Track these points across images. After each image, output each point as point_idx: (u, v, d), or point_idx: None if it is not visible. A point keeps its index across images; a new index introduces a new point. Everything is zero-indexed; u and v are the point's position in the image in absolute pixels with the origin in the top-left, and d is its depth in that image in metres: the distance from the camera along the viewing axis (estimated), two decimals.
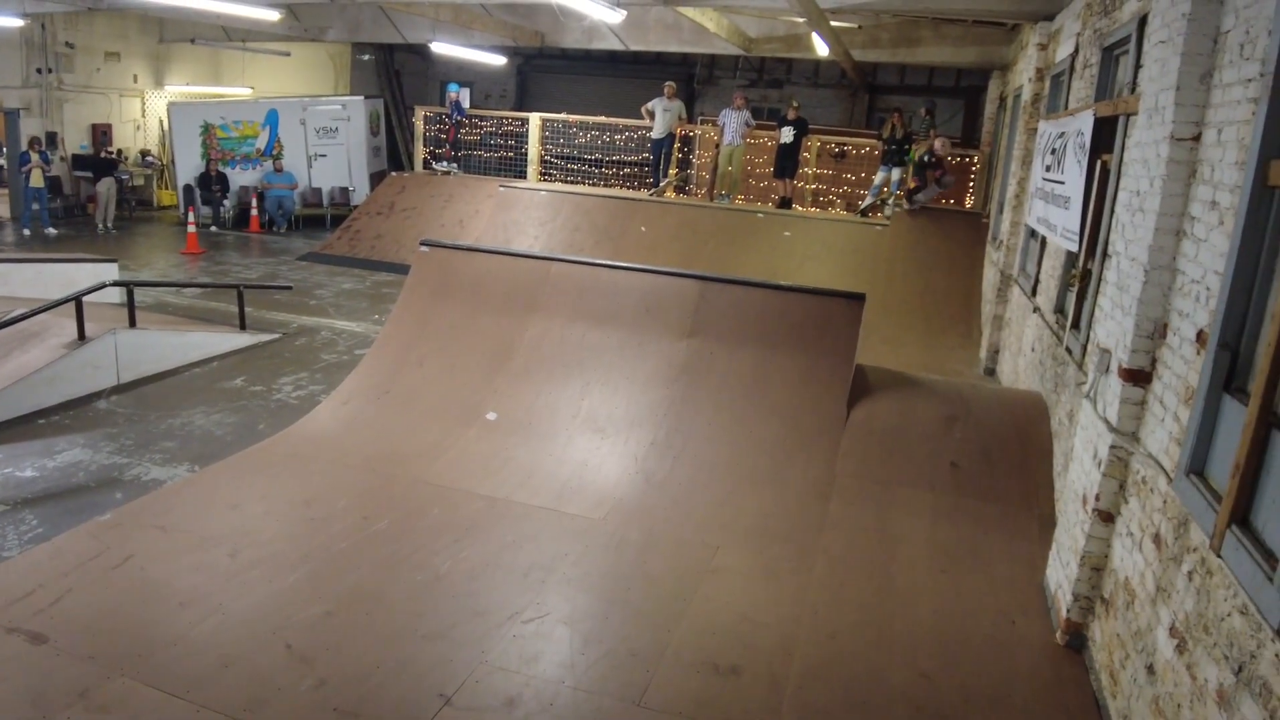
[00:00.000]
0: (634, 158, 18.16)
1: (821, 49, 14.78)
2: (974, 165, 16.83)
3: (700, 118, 20.14)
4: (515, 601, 5.12)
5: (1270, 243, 3.51)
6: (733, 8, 13.70)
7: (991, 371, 10.70)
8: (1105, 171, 6.20)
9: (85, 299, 8.71)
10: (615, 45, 17.65)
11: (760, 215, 15.09)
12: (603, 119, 18.12)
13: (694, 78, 24.12)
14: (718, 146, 16.79)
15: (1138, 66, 5.65)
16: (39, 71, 18.62)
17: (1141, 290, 4.47)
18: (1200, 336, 3.89)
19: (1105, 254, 5.84)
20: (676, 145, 17.14)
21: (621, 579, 5.51)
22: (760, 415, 7.17)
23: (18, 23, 16.12)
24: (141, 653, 4.54)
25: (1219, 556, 3.22)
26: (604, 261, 8.47)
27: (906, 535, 6.16)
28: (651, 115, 16.46)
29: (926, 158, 14.06)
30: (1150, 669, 3.75)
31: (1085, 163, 6.47)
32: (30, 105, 18.68)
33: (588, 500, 6.38)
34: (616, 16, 11.05)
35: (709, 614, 5.15)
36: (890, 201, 15.37)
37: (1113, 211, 5.80)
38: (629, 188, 17.74)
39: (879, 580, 5.65)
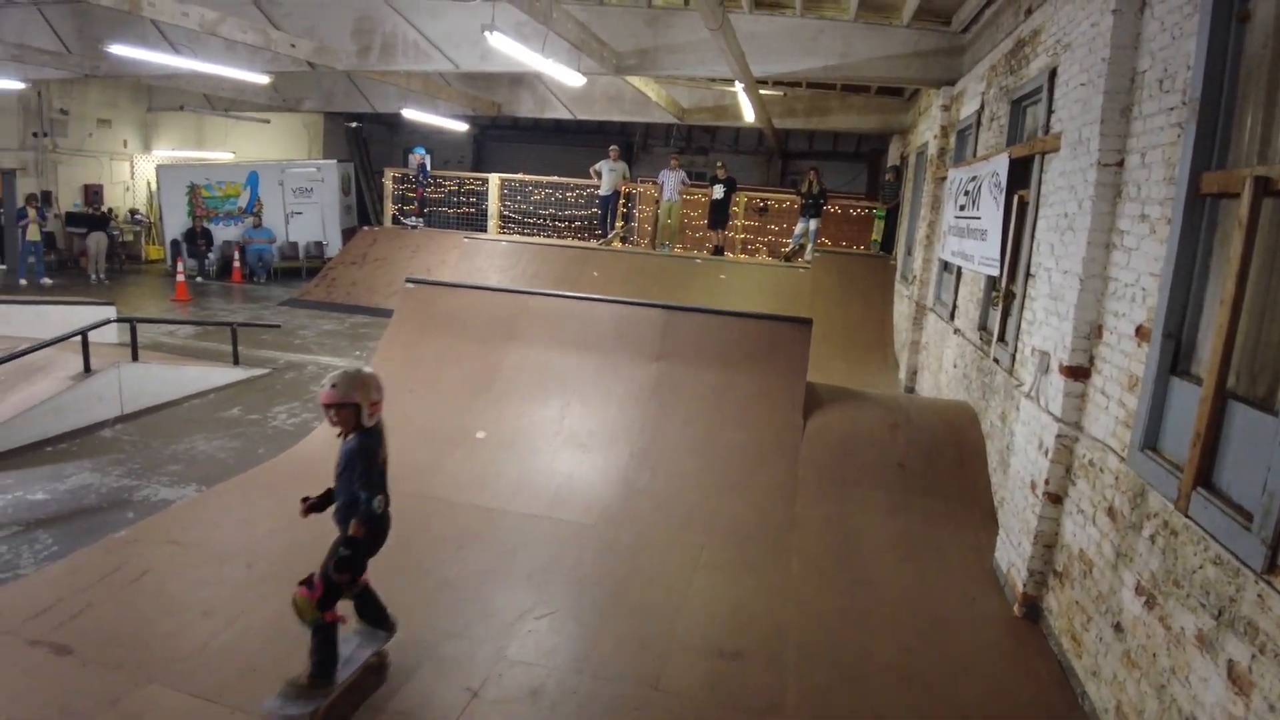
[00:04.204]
0: (583, 212, 18.15)
1: (748, 116, 14.98)
2: (877, 216, 17.19)
3: (639, 178, 20.26)
4: (524, 601, 4.91)
5: (1205, 242, 3.57)
6: (675, 78, 13.85)
7: (911, 390, 10.79)
8: (1023, 205, 6.31)
9: (90, 337, 8.29)
10: (564, 115, 17.68)
11: (698, 261, 15.16)
12: (555, 178, 18.14)
13: (631, 145, 24.27)
14: (658, 202, 16.91)
15: (1050, 112, 5.80)
16: (35, 135, 18.04)
17: (1078, 297, 4.53)
18: (1140, 331, 3.93)
19: (1029, 274, 5.94)
20: (621, 201, 17.21)
21: (620, 578, 5.32)
22: (726, 428, 7.08)
23: (19, 86, 15.51)
24: (167, 661, 4.23)
25: (1187, 517, 3.21)
26: (576, 294, 8.34)
27: (866, 529, 6.10)
28: (599, 175, 16.57)
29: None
30: (1118, 627, 3.71)
31: (1002, 199, 6.58)
32: (26, 166, 18.02)
33: (577, 508, 6.19)
34: (579, 80, 11.04)
35: (706, 605, 5.00)
36: (810, 248, 15.59)
37: (1033, 237, 5.92)
38: (580, 239, 17.71)
39: (851, 570, 5.57)
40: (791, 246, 16.18)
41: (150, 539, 5.53)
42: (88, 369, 8.13)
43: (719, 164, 16.97)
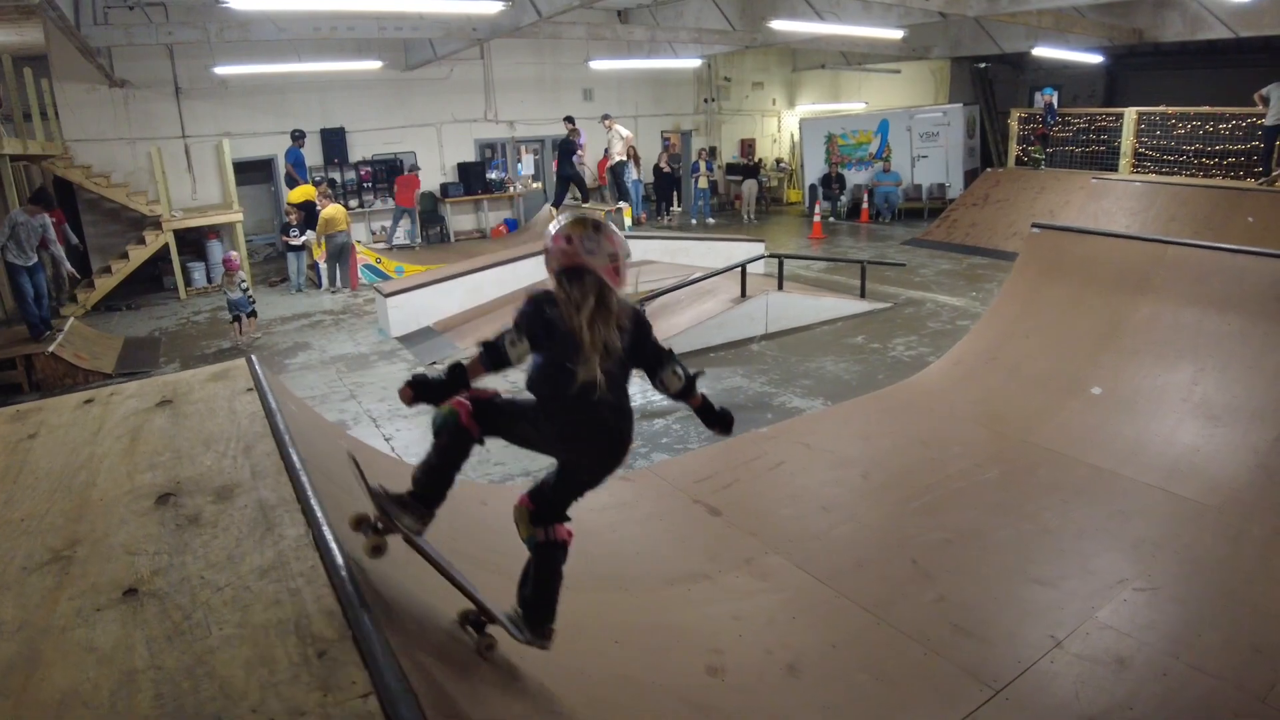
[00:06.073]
0: (1239, 147, 14.99)
1: None
2: None
3: None
4: (1124, 568, 4.48)
5: None
6: None
7: None
8: None
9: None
10: (1222, 34, 14.54)
11: None
12: (1205, 109, 15.27)
13: None
14: None
15: None
16: (705, 101, 21.23)
17: None
18: None
19: None
20: None
21: (1242, 572, 4.49)
22: None
23: (697, 63, 18.63)
24: (791, 540, 4.80)
25: None
26: (1225, 245, 7.02)
27: None
28: (1265, 101, 13.44)
29: None
30: None
31: None
32: (698, 127, 21.41)
33: (1199, 486, 5.35)
34: None
35: None
36: None
37: None
38: (1233, 177, 14.72)
39: None
40: None
41: (785, 438, 6.32)
42: (743, 294, 9.47)
43: None
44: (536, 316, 2.59)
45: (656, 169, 19.54)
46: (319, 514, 2.51)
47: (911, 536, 4.81)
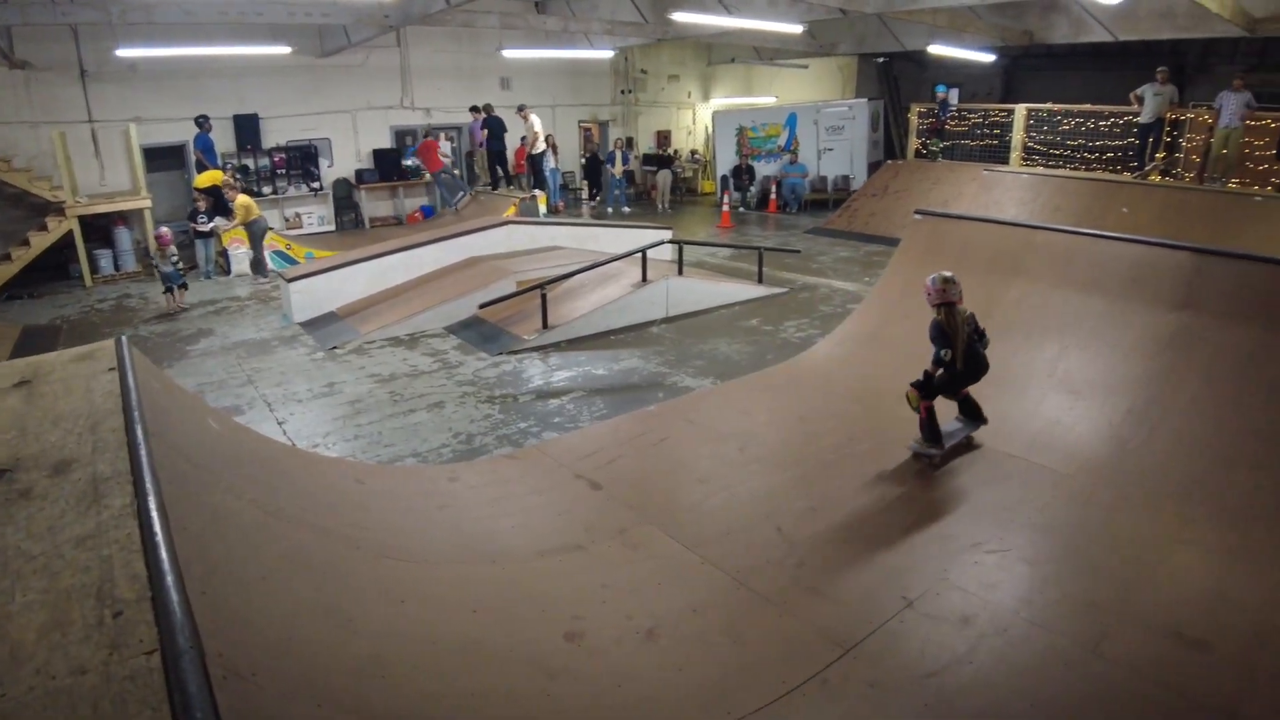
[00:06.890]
0: (1117, 143, 15.72)
1: None
2: None
3: (1192, 103, 16.81)
4: (978, 533, 4.69)
5: None
6: None
7: None
8: None
9: (648, 254, 9.69)
10: (1103, 38, 15.22)
11: (1259, 199, 12.24)
12: (1087, 107, 15.96)
13: (1183, 66, 20.13)
14: (1210, 129, 13.94)
15: None
16: (622, 92, 21.26)
17: None
18: None
19: None
20: (1165, 130, 14.56)
21: (1087, 533, 4.77)
22: (1254, 397, 5.77)
23: (609, 54, 18.89)
24: (666, 511, 4.90)
25: None
26: (1090, 231, 7.35)
27: None
28: (1140, 101, 14.16)
29: None
30: None
31: None
32: (616, 118, 21.42)
33: (1057, 455, 5.63)
34: None
35: (1177, 584, 4.27)
36: None
37: None
38: (1111, 171, 15.44)
39: None
40: None
41: (671, 415, 6.40)
42: (644, 279, 9.52)
43: None
44: (941, 334, 5.30)
45: (592, 156, 19.68)
46: (148, 484, 2.45)
47: (779, 506, 4.93)
